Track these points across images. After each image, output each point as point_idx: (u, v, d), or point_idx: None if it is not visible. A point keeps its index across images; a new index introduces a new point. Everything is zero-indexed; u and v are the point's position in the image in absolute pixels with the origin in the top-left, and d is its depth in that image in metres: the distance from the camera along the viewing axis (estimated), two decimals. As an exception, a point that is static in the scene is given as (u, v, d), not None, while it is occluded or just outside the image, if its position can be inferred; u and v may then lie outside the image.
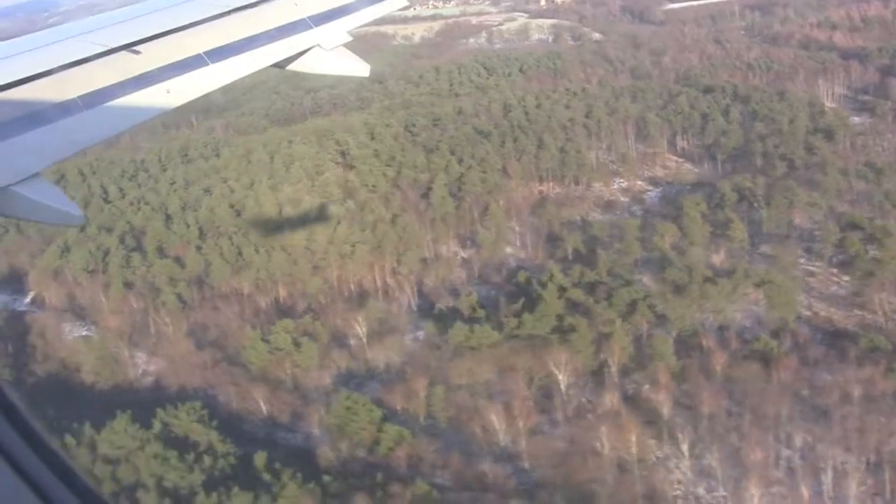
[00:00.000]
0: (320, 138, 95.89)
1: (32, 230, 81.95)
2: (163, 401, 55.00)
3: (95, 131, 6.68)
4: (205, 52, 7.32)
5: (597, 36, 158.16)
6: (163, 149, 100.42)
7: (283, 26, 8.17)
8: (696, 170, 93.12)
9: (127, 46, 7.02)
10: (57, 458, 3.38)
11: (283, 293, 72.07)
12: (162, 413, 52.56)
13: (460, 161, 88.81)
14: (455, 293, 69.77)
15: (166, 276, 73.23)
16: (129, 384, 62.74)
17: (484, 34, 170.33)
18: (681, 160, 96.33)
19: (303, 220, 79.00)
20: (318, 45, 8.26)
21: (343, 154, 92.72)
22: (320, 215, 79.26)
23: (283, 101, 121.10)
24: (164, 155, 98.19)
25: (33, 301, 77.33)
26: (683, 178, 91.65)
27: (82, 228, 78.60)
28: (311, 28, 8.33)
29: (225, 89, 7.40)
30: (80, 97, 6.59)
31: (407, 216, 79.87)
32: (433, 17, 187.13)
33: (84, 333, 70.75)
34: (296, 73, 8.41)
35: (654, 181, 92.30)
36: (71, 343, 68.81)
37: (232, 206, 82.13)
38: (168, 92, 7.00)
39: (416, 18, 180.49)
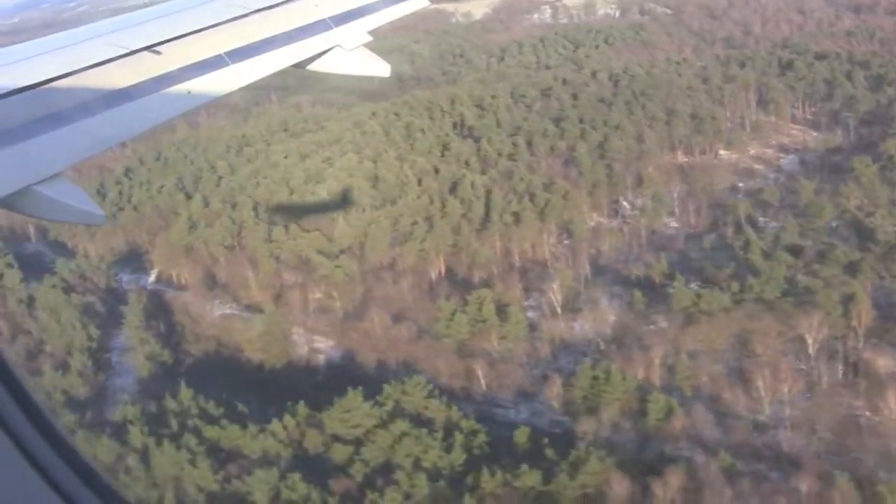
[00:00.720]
0: (427, 110, 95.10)
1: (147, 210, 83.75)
2: (356, 379, 52.73)
3: (117, 131, 6.84)
4: (225, 53, 7.40)
5: (664, 10, 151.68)
6: (260, 124, 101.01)
7: (304, 27, 8.21)
8: (823, 136, 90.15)
9: (148, 47, 7.14)
10: (77, 456, 3.44)
11: (450, 264, 70.67)
12: (389, 389, 50.65)
13: (594, 129, 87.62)
14: (630, 261, 68.61)
15: (314, 249, 72.22)
16: (304, 362, 61.20)
17: (548, 9, 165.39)
18: (804, 127, 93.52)
19: (451, 190, 78.55)
20: (339, 45, 8.28)
21: (458, 125, 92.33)
22: (467, 185, 78.32)
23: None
24: (264, 130, 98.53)
25: (158, 279, 76.97)
26: (813, 144, 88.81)
27: (206, 203, 79.97)
28: (332, 28, 8.35)
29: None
30: (101, 97, 6.71)
31: (560, 184, 78.39)
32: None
33: (229, 311, 69.68)
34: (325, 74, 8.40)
35: (783, 148, 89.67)
36: (221, 321, 67.44)
37: (366, 178, 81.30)
38: (189, 92, 7.09)
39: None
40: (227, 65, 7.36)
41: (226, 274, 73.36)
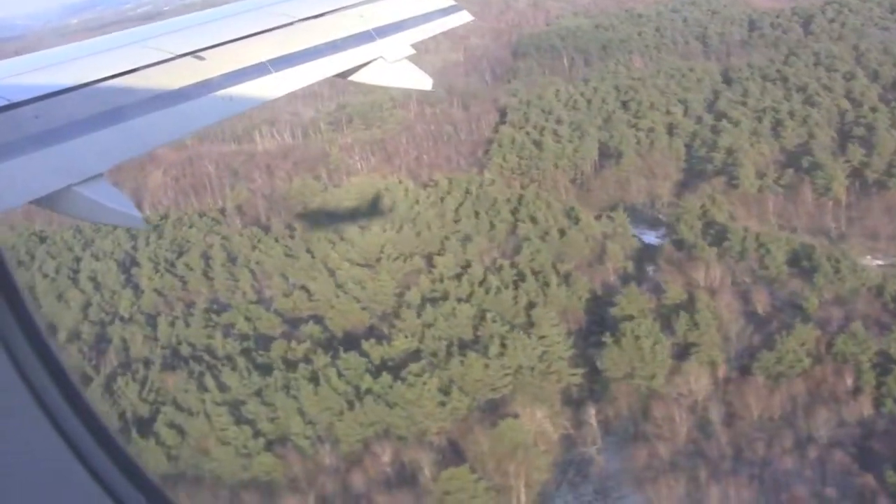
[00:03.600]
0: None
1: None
2: None
3: (158, 134, 6.88)
4: (268, 61, 7.43)
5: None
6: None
7: (347, 38, 8.22)
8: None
9: (191, 53, 7.19)
10: (126, 456, 3.47)
11: None
12: None
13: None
14: None
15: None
16: None
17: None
18: None
19: None
20: (382, 57, 8.30)
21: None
22: None
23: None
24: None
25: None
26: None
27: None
28: (375, 40, 8.36)
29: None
30: (144, 101, 6.76)
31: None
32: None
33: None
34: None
35: None
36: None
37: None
38: (231, 99, 7.13)
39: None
40: (270, 73, 7.39)
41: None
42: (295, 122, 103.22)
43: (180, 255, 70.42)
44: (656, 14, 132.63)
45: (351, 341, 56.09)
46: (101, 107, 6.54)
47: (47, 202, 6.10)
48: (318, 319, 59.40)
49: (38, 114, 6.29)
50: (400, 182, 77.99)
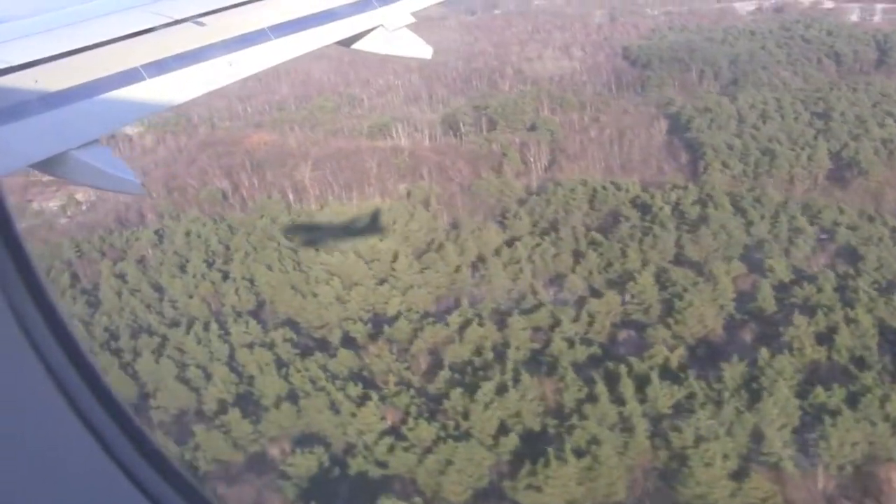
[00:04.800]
0: None
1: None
2: None
3: (157, 100, 6.86)
4: (269, 28, 7.41)
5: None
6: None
7: (348, 5, 8.17)
8: None
9: (192, 18, 7.15)
10: (161, 456, 3.50)
11: None
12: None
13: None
14: None
15: None
16: None
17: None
18: None
19: None
20: (382, 25, 8.23)
21: None
22: None
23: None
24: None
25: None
26: None
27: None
28: (376, 8, 8.31)
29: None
30: (143, 66, 6.75)
31: None
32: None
33: None
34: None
35: None
36: None
37: None
38: (230, 65, 7.11)
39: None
40: (270, 39, 7.37)
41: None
42: (422, 119, 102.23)
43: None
44: (768, 31, 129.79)
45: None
46: (99, 73, 6.53)
47: (45, 166, 6.12)
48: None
49: (37, 78, 6.29)
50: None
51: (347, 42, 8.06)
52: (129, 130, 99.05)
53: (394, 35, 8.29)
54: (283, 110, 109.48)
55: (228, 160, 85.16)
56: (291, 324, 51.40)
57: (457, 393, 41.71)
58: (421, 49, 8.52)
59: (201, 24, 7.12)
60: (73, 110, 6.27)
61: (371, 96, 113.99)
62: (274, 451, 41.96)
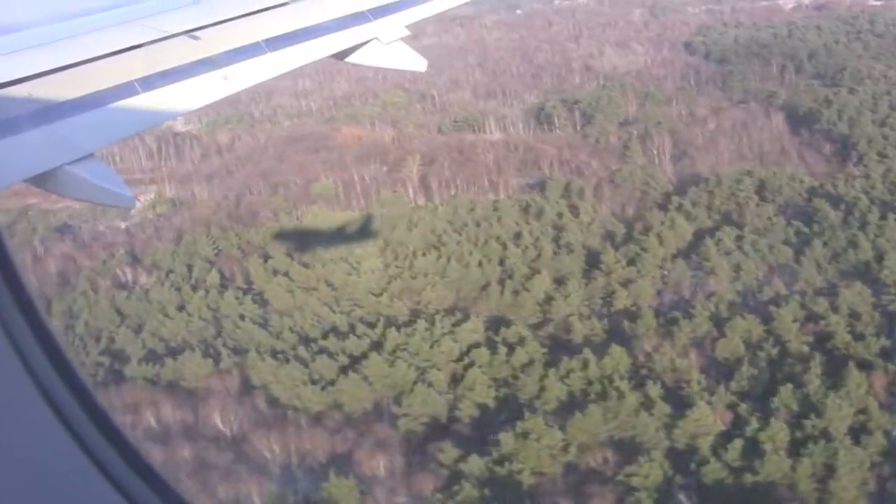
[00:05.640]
0: None
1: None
2: None
3: (151, 115, 6.93)
4: (264, 41, 7.38)
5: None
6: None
7: (343, 18, 8.12)
8: None
9: (186, 32, 7.17)
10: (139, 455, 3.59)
11: None
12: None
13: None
14: None
15: None
16: None
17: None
18: None
19: None
20: (377, 38, 8.11)
21: None
22: None
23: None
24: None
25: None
26: None
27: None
28: (370, 21, 8.24)
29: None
30: (137, 80, 6.80)
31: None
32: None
33: None
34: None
35: None
36: None
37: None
38: (225, 78, 7.11)
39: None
40: (265, 52, 7.33)
41: None
42: (505, 114, 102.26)
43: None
44: (833, 26, 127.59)
45: None
46: (93, 87, 6.60)
47: (39, 181, 6.25)
48: None
49: (31, 92, 6.43)
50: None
51: (341, 55, 8.01)
52: (185, 127, 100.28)
53: (388, 48, 8.19)
54: (351, 106, 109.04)
55: (327, 155, 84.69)
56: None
57: (787, 390, 40.66)
58: (415, 62, 8.43)
59: (196, 38, 7.13)
60: (68, 125, 6.35)
61: (440, 92, 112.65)
62: (593, 461, 39.29)
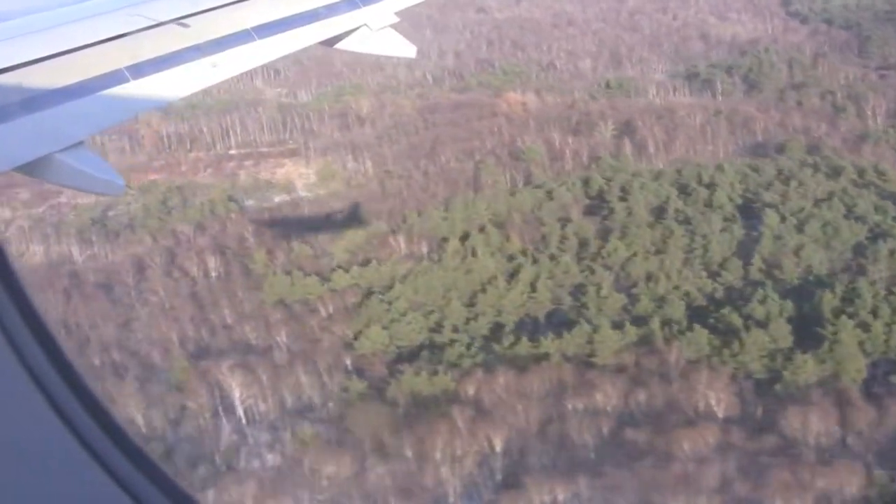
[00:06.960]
0: None
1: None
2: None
3: (140, 102, 6.90)
4: (252, 28, 7.32)
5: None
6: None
7: (332, 5, 8.00)
8: None
9: (176, 20, 7.13)
10: (146, 458, 3.58)
11: None
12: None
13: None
14: None
15: None
16: None
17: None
18: None
19: None
20: (366, 24, 8.03)
21: None
22: None
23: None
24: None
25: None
26: None
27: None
28: (359, 8, 8.11)
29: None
30: (126, 68, 6.76)
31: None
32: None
33: None
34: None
35: None
36: None
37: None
38: (214, 66, 7.06)
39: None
40: (254, 40, 7.28)
41: None
42: (653, 80, 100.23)
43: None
44: None
45: None
46: (82, 74, 6.57)
47: (28, 170, 6.22)
48: None
49: (20, 80, 6.40)
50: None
51: (331, 42, 7.94)
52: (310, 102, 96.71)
53: (377, 34, 8.11)
54: (482, 73, 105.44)
55: (502, 121, 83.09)
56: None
57: None
58: (404, 48, 8.32)
59: (185, 25, 7.09)
60: (57, 113, 6.33)
61: (558, 59, 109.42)
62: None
